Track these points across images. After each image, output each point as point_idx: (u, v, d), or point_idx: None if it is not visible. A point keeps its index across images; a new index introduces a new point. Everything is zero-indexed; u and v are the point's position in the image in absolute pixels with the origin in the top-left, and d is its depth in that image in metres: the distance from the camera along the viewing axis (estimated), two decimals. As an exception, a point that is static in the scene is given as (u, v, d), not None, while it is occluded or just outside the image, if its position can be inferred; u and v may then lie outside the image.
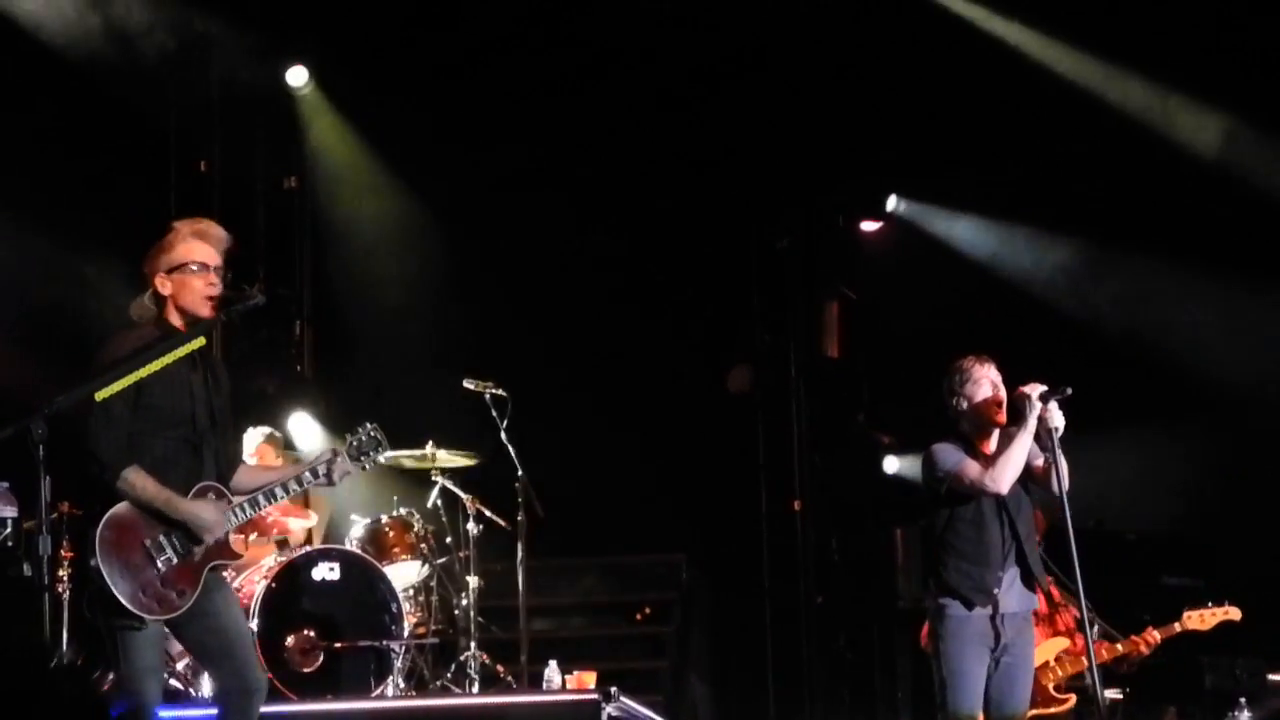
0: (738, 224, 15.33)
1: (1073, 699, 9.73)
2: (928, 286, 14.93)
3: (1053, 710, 9.67)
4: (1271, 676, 13.10)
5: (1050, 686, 9.70)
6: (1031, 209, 14.96)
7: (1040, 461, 8.65)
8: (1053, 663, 9.77)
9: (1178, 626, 10.08)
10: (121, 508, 7.32)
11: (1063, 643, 9.80)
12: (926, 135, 14.63)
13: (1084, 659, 9.91)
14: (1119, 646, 10.06)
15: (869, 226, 15.69)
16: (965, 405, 8.75)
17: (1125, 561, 12.76)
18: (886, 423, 15.58)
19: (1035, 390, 8.51)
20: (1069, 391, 8.53)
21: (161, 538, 7.33)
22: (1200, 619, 10.06)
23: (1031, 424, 8.50)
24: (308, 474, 7.75)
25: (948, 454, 8.71)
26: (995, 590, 8.57)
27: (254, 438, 11.83)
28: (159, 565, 7.29)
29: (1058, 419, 8.50)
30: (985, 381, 8.73)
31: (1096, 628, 10.05)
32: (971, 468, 8.61)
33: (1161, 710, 12.78)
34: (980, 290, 14.86)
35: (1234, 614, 10.16)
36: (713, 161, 14.94)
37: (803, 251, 15.63)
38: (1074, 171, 14.48)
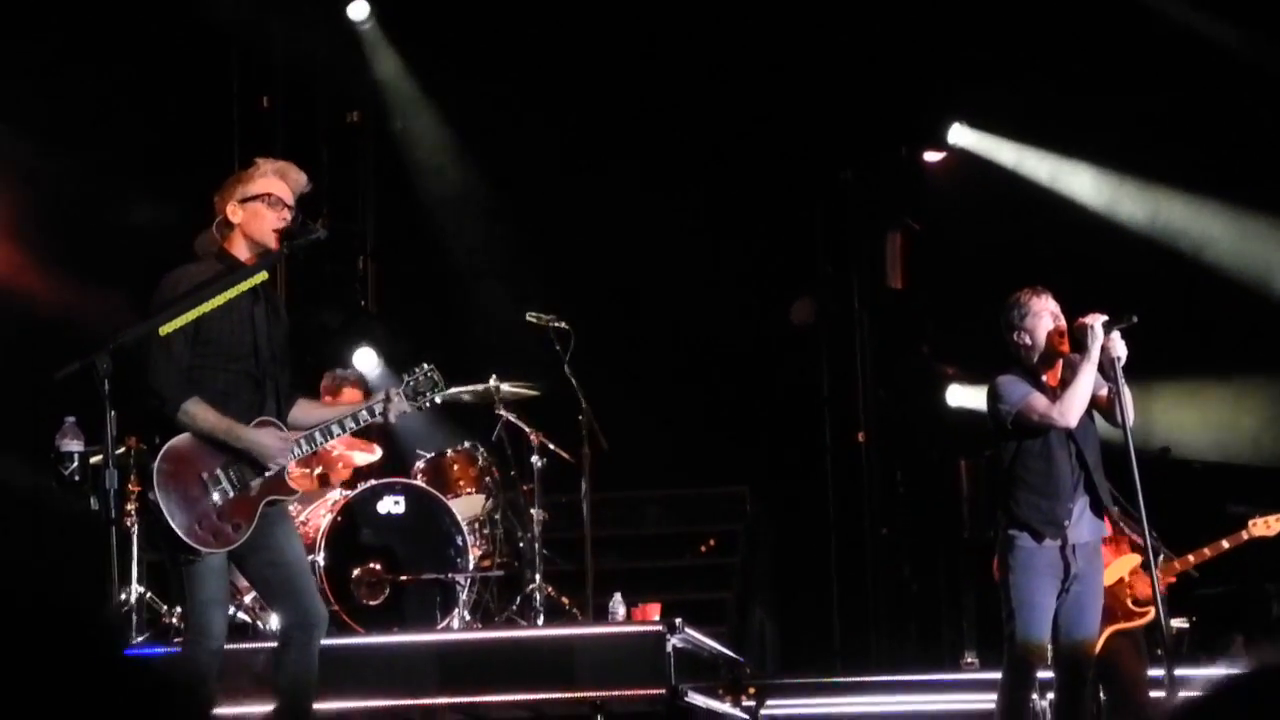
0: (800, 156, 15.25)
1: (1150, 612, 9.68)
2: (991, 217, 14.84)
3: (1135, 624, 9.64)
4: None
5: (1129, 601, 9.67)
6: (1099, 144, 14.83)
7: (1104, 391, 8.60)
8: (1128, 578, 9.73)
9: (1244, 534, 10.03)
10: (179, 440, 7.35)
11: (1135, 559, 9.76)
12: (989, 62, 14.53)
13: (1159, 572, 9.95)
14: (1176, 564, 10.02)
15: (932, 157, 15.61)
16: (1027, 339, 8.69)
17: (1190, 489, 12.69)
18: (950, 354, 15.53)
19: (1097, 320, 8.44)
20: (1135, 320, 8.47)
21: (219, 470, 7.36)
22: (1266, 525, 10.00)
23: (1095, 354, 8.43)
24: (364, 412, 7.77)
25: (1014, 387, 8.65)
26: (1066, 522, 8.53)
27: (342, 377, 11.82)
28: (215, 498, 7.33)
29: (1120, 349, 8.44)
30: (1045, 313, 8.66)
31: (1162, 556, 10.01)
32: (1039, 401, 8.55)
33: (1229, 639, 12.74)
34: (1045, 222, 14.76)
35: None
36: (774, 95, 14.88)
37: (866, 182, 15.57)
38: (1146, 105, 14.33)
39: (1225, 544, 10.06)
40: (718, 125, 14.98)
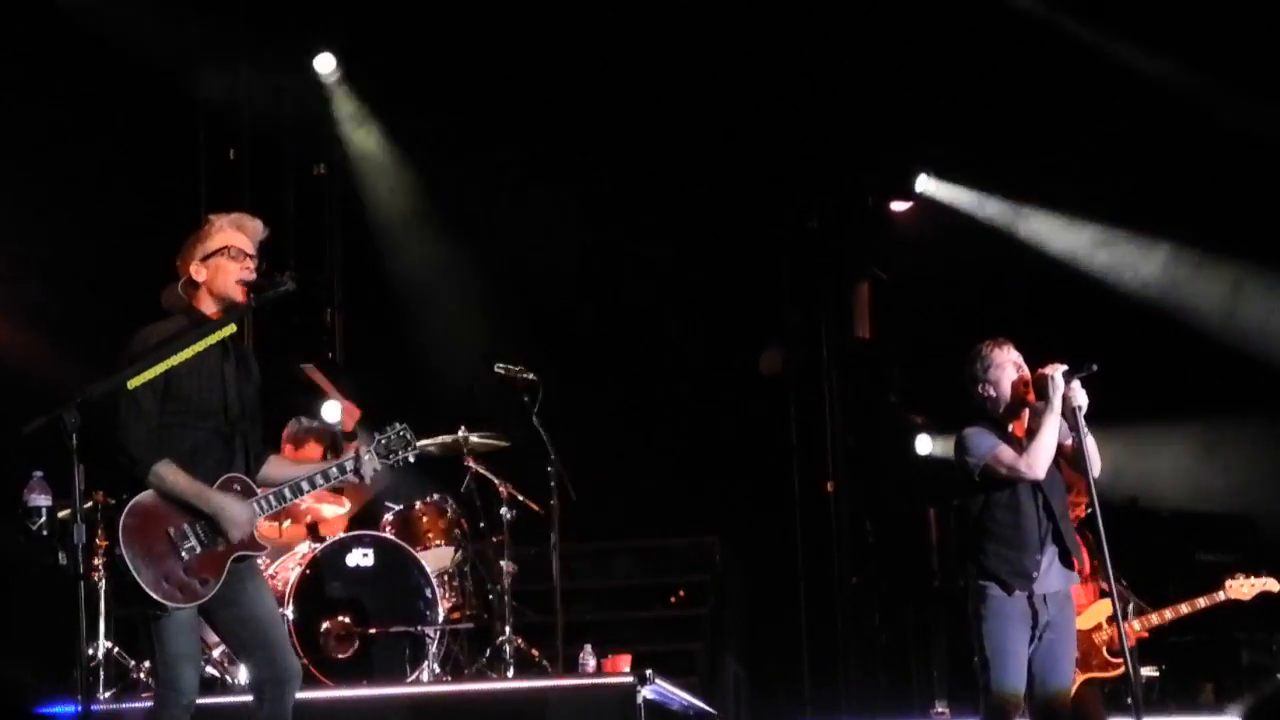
0: (768, 206, 15.30)
1: (1122, 664, 9.67)
2: (957, 265, 14.89)
3: (1108, 674, 9.64)
4: (1308, 652, 13.07)
5: (1104, 650, 9.66)
6: (1063, 190, 14.91)
7: (1070, 441, 8.61)
8: (1105, 623, 9.73)
9: (1221, 595, 10.07)
10: (146, 495, 7.32)
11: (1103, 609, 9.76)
12: (955, 115, 14.59)
13: (1132, 623, 10.01)
14: (1152, 618, 10.03)
15: (899, 206, 15.64)
16: (992, 390, 8.70)
17: (1159, 538, 12.73)
18: (918, 403, 15.56)
19: (1058, 370, 8.47)
20: (1094, 368, 8.50)
21: (186, 526, 7.32)
22: (1240, 588, 10.04)
23: (1057, 404, 8.45)
24: (335, 470, 7.74)
25: (980, 439, 8.65)
26: (1034, 574, 8.52)
27: (299, 429, 11.82)
28: (183, 554, 7.29)
29: (1081, 397, 8.47)
30: (1008, 364, 8.68)
31: (1131, 604, 10.01)
32: (1006, 453, 8.56)
33: (1198, 687, 12.75)
34: (1010, 269, 14.81)
35: (1272, 585, 10.15)
36: (742, 144, 14.92)
37: (833, 232, 15.61)
38: (1105, 149, 14.42)
39: (1202, 602, 10.09)
40: (685, 176, 15.01)
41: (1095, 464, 8.52)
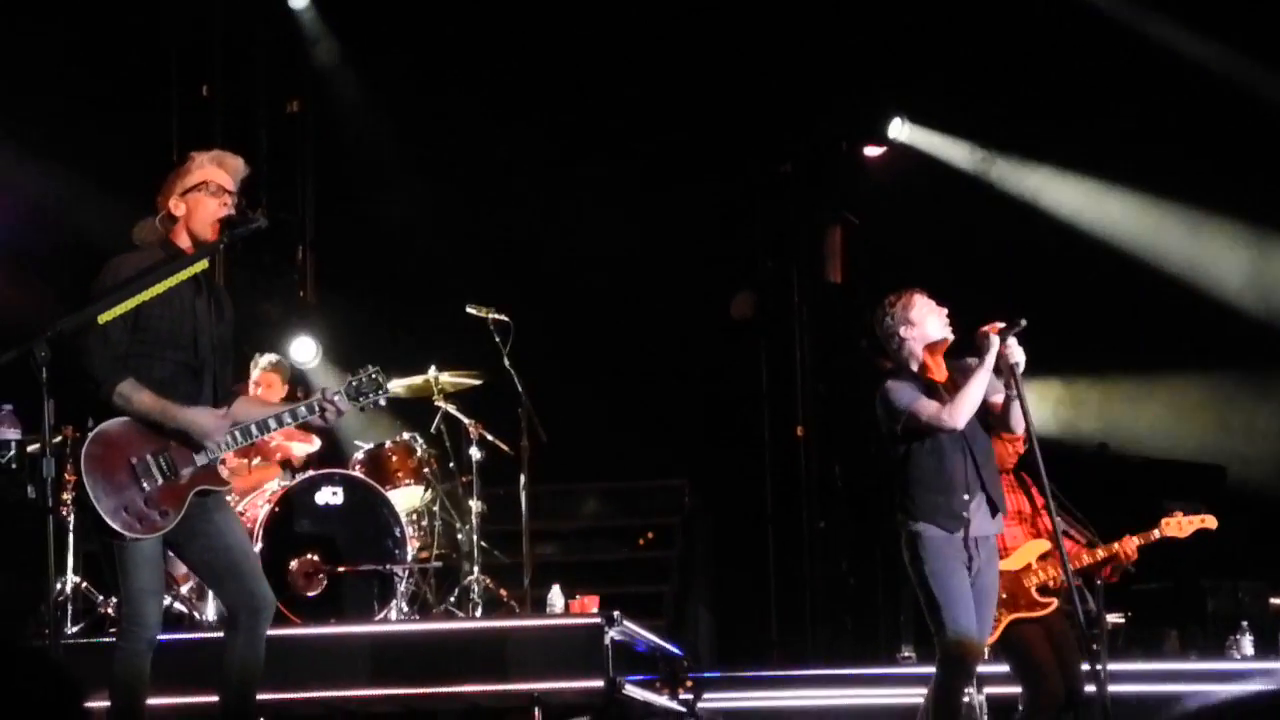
0: (740, 150, 15.27)
1: (1054, 603, 9.71)
2: (930, 212, 14.89)
3: (1036, 614, 9.62)
4: (1274, 600, 13.13)
5: (1033, 589, 9.67)
6: (1036, 138, 14.91)
7: (998, 398, 8.67)
8: (1035, 564, 9.75)
9: (1156, 533, 10.06)
10: (111, 424, 7.29)
11: (1044, 545, 9.77)
12: (929, 58, 14.57)
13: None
14: (1099, 552, 10.05)
15: (872, 151, 15.62)
16: (913, 339, 8.77)
17: (1129, 486, 12.75)
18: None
19: (994, 328, 8.54)
20: (1023, 324, 8.54)
21: (150, 457, 7.29)
22: (1178, 525, 10.04)
23: (989, 361, 8.52)
24: (303, 409, 7.70)
25: (901, 392, 8.70)
26: (964, 513, 8.56)
27: (260, 364, 11.82)
28: (144, 485, 7.25)
29: (1018, 354, 8.54)
30: (930, 313, 8.76)
31: (1075, 534, 10.03)
32: (927, 405, 8.61)
33: (1163, 634, 12.80)
34: (981, 216, 14.81)
35: (1210, 522, 10.14)
36: (714, 87, 14.88)
37: (805, 176, 15.60)
38: (1082, 94, 14.42)
39: (1136, 541, 10.09)
40: (657, 119, 14.97)
41: (1029, 421, 8.58)
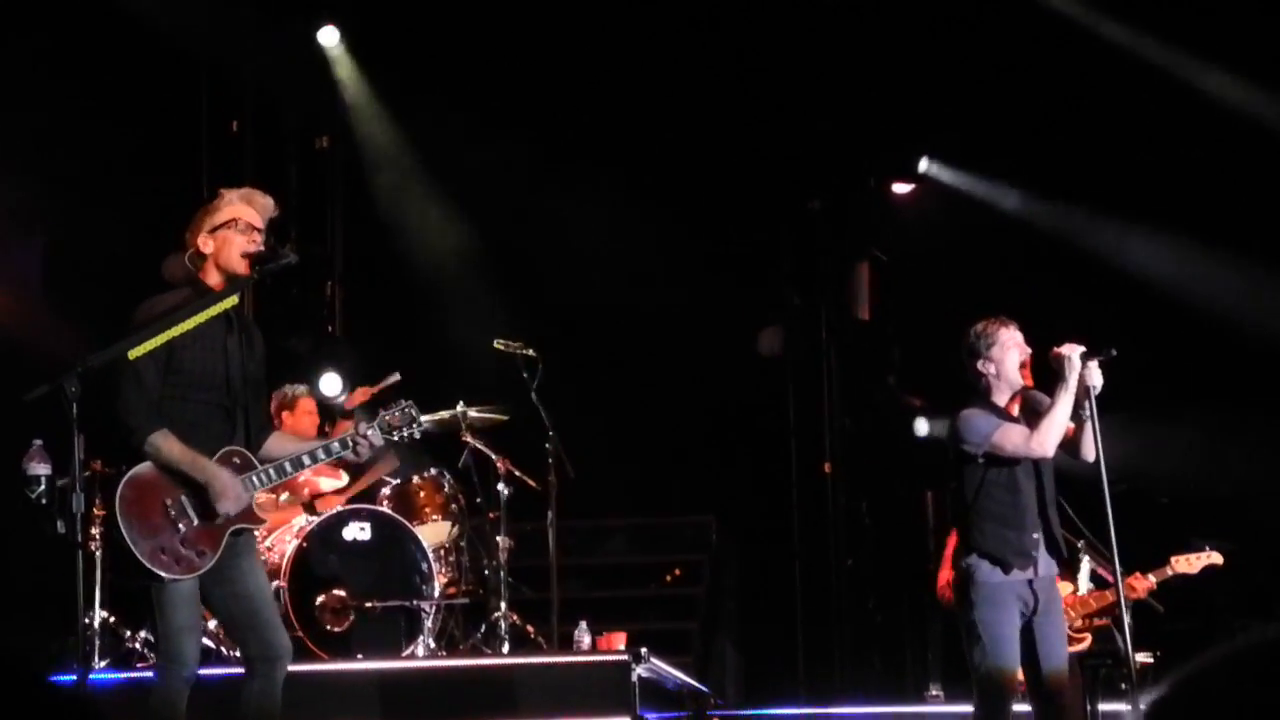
0: (769, 186, 15.28)
1: (1088, 639, 9.76)
2: (958, 248, 14.87)
3: (1072, 648, 9.65)
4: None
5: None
6: (1066, 175, 14.88)
7: (1072, 423, 8.57)
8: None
9: (1168, 570, 10.18)
10: (144, 467, 7.32)
11: (1066, 587, 9.80)
12: (959, 97, 14.57)
13: (1089, 601, 10.10)
14: (1107, 594, 10.08)
15: (900, 188, 15.63)
16: (993, 369, 8.64)
17: (1153, 524, 12.71)
18: (917, 385, 15.55)
19: (1075, 350, 8.41)
20: (1113, 352, 8.44)
21: (183, 498, 7.32)
22: (1187, 562, 10.16)
23: (1072, 384, 8.36)
24: (336, 445, 7.72)
25: (982, 421, 8.55)
26: (1034, 552, 8.49)
27: (300, 392, 11.80)
28: (179, 526, 7.28)
29: (1096, 378, 8.40)
30: (1012, 345, 8.64)
31: (1087, 565, 10.06)
32: (1014, 432, 8.47)
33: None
34: (1011, 252, 14.79)
35: (1216, 559, 10.27)
36: (744, 123, 14.90)
37: (834, 213, 15.61)
38: (1108, 135, 14.40)
39: (1152, 578, 10.13)
40: (687, 154, 14.97)
41: (1098, 449, 8.51)
